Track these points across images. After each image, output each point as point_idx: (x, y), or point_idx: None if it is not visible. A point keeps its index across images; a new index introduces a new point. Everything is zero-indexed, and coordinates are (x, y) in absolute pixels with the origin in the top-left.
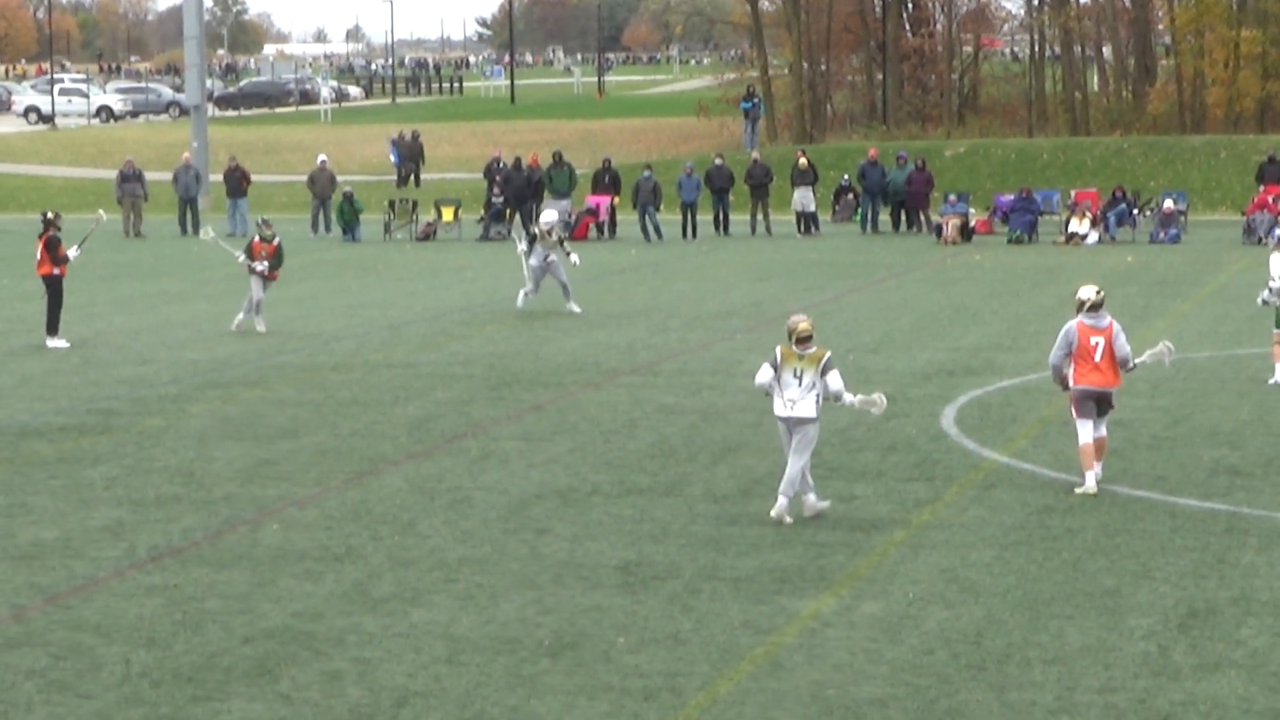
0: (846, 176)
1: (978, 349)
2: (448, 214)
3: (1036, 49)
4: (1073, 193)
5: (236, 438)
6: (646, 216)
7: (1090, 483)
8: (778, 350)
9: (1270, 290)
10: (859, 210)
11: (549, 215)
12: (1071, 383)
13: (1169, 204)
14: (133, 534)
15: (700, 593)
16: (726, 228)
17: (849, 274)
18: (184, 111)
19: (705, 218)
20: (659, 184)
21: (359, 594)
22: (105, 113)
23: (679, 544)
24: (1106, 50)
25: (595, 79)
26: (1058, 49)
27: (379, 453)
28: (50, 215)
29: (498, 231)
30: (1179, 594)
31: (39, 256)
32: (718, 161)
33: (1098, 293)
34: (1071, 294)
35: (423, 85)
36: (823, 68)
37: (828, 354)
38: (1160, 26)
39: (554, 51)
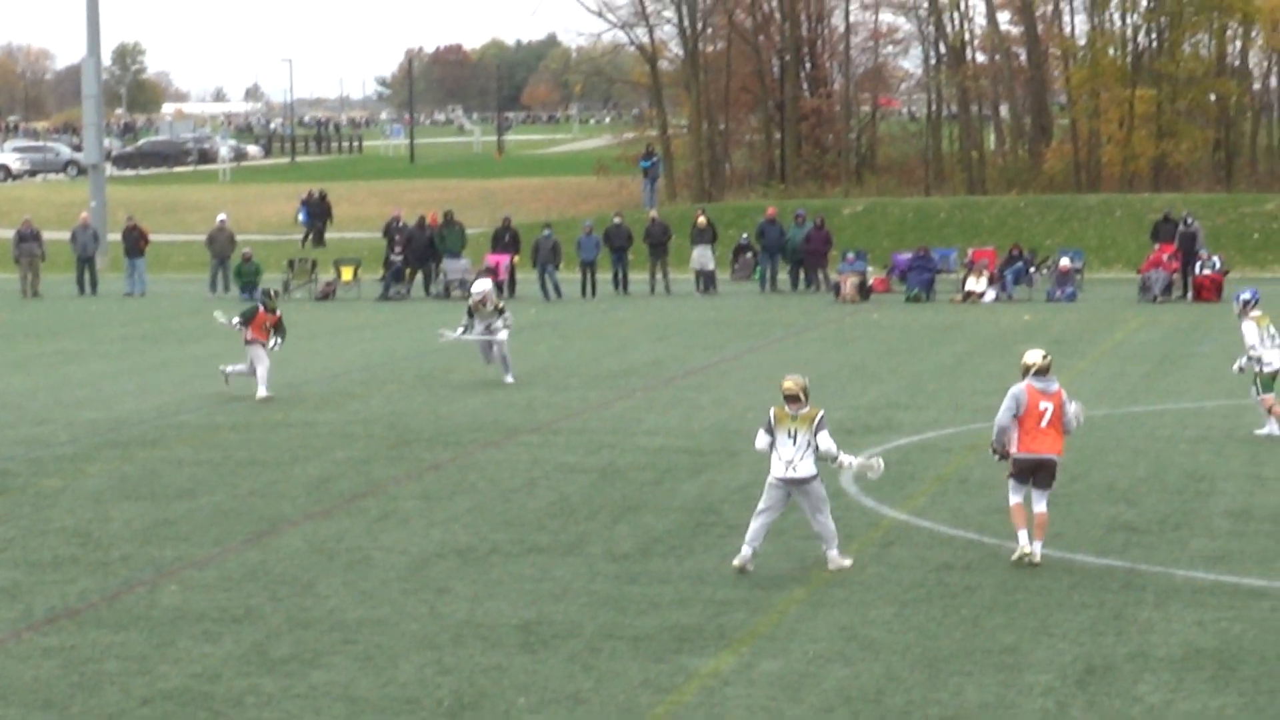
0: (745, 235)
1: (876, 407)
2: (347, 273)
3: (933, 108)
4: (970, 251)
5: (134, 498)
6: (546, 275)
7: (1024, 541)
8: (771, 412)
9: (1248, 358)
10: (757, 269)
11: (482, 285)
12: (1014, 448)
13: (1065, 262)
14: (29, 595)
15: (600, 652)
16: (626, 286)
17: (748, 332)
18: (82, 170)
19: (605, 276)
20: (559, 243)
21: (258, 655)
22: (2, 171)
23: (579, 603)
24: (1003, 109)
25: (495, 138)
26: (955, 108)
27: (278, 513)
28: None
29: (397, 291)
30: (1077, 650)
31: None
32: (617, 220)
33: (1044, 357)
34: (1017, 358)
35: (322, 144)
36: (721, 127)
37: (820, 413)
38: (1056, 86)
39: (453, 110)
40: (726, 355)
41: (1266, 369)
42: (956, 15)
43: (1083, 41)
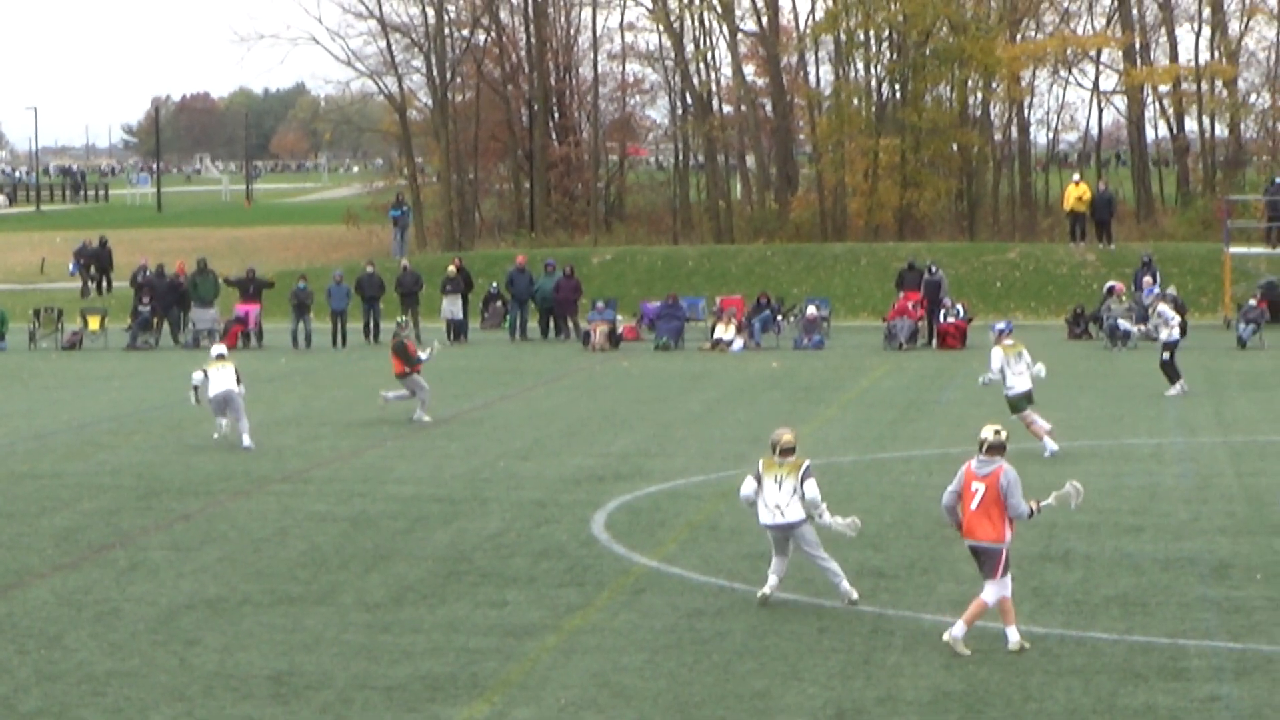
0: (495, 284)
1: (626, 454)
2: (94, 323)
3: (681, 158)
4: (718, 299)
5: None
6: (300, 323)
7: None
8: (759, 462)
9: (989, 379)
10: (507, 317)
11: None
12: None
13: (812, 310)
14: None
15: (353, 702)
16: (377, 336)
17: (499, 381)
18: None
19: (355, 325)
20: (311, 291)
21: (4, 710)
22: None
23: (331, 653)
24: (749, 159)
25: (244, 186)
26: (702, 158)
27: (24, 565)
28: None
29: (145, 340)
30: (827, 694)
31: None
32: (369, 269)
33: (996, 433)
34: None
35: (68, 193)
36: (471, 176)
37: (807, 462)
38: (802, 136)
39: (201, 159)
40: (477, 403)
41: (1009, 393)
42: (703, 66)
43: (828, 92)
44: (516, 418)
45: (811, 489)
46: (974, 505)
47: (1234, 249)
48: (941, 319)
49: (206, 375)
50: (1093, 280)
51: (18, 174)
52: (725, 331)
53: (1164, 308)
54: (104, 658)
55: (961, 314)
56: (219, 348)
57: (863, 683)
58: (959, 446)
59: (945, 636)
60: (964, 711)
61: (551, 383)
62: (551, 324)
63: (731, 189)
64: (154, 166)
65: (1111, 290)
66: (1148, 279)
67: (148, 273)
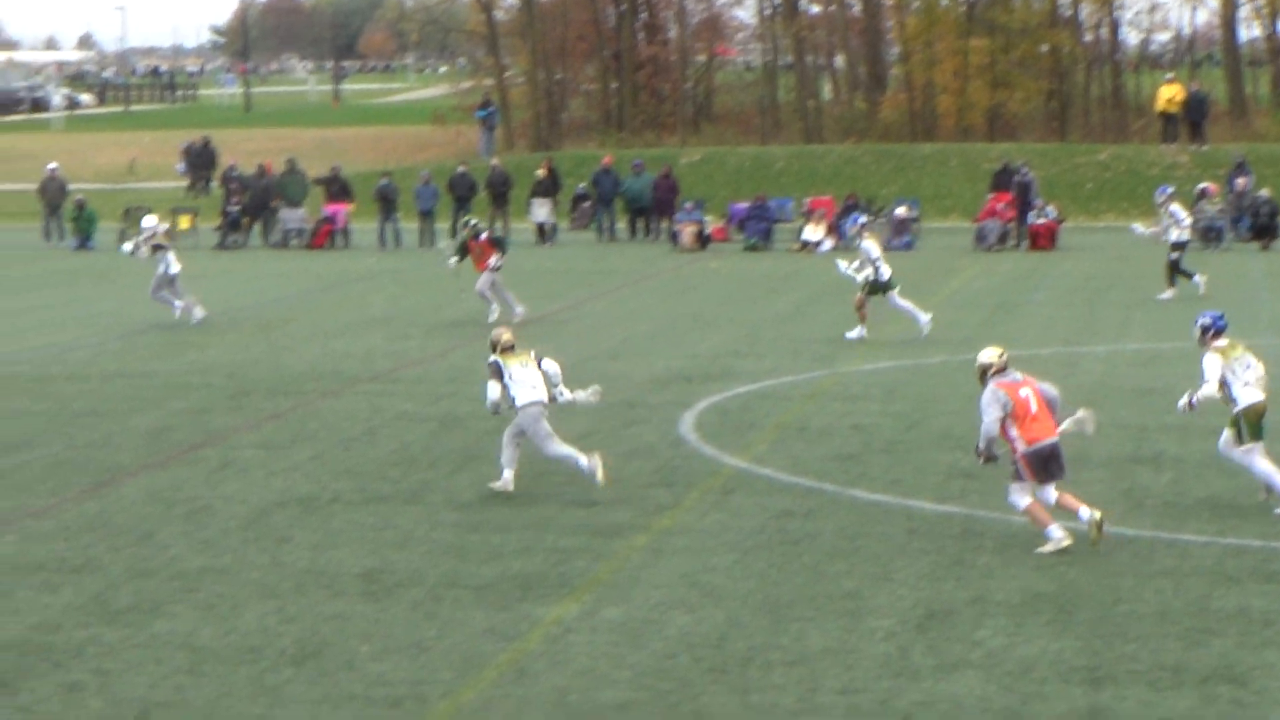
0: (583, 185)
1: (715, 355)
2: (184, 222)
3: (769, 58)
4: (807, 200)
5: None
6: (388, 224)
7: (1060, 534)
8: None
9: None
10: (595, 218)
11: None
12: (1020, 445)
13: (901, 211)
14: None
15: (443, 599)
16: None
17: (587, 282)
18: None
19: (444, 225)
20: (396, 188)
21: (98, 605)
22: None
23: (421, 551)
24: (839, 59)
25: (331, 87)
26: (790, 58)
27: (116, 463)
28: None
29: (234, 240)
30: (917, 596)
31: None
32: (461, 169)
33: (1000, 355)
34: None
35: (157, 93)
36: (558, 76)
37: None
38: (891, 36)
39: (288, 59)
40: (565, 304)
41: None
42: None
43: None
44: (604, 318)
45: (551, 365)
46: (1034, 407)
47: None
48: (1032, 220)
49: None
50: (1185, 182)
51: (106, 75)
52: (814, 232)
53: (1175, 207)
54: (195, 555)
55: (1052, 215)
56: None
57: (953, 584)
58: (1048, 347)
59: (1094, 523)
60: (1055, 613)
61: (639, 283)
62: (641, 225)
63: (820, 89)
64: (241, 67)
65: (1204, 192)
66: (1241, 180)
67: (236, 173)
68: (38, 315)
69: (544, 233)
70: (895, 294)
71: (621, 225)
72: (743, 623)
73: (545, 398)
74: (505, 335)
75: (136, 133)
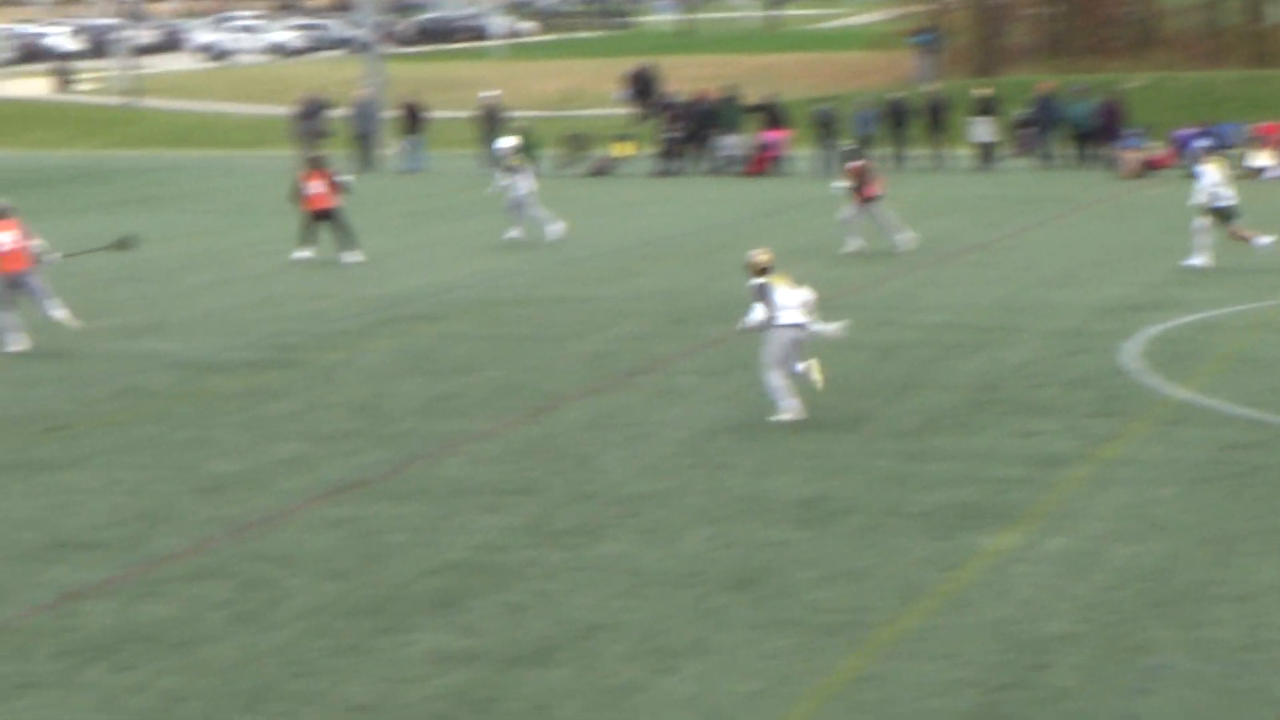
0: (1024, 110)
1: (1159, 284)
2: (623, 149)
3: None
4: (1254, 127)
5: (415, 372)
6: (826, 150)
7: None
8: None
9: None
10: (1036, 143)
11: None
12: None
13: None
14: (316, 467)
15: (883, 528)
16: (903, 161)
17: (1030, 209)
18: (358, 48)
19: (883, 151)
20: (834, 114)
21: (540, 527)
22: (279, 49)
23: (860, 479)
24: None
25: (770, 13)
26: None
27: (557, 388)
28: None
29: (672, 166)
30: None
31: (316, 191)
32: (899, 95)
33: None
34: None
35: (596, 20)
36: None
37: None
38: None
39: None
40: (1007, 231)
41: None
42: None
43: None
44: (1047, 245)
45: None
46: None
47: None
48: None
49: None
50: None
51: (548, 1)
52: (1260, 159)
53: None
54: (635, 479)
55: None
56: None
57: None
58: None
59: None
60: None
61: (1081, 210)
62: (1083, 150)
63: (1269, 12)
64: None
65: None
66: None
67: (675, 99)
68: (479, 241)
69: (986, 153)
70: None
71: (1063, 151)
72: (1187, 556)
73: (804, 321)
74: (764, 256)
75: (576, 60)
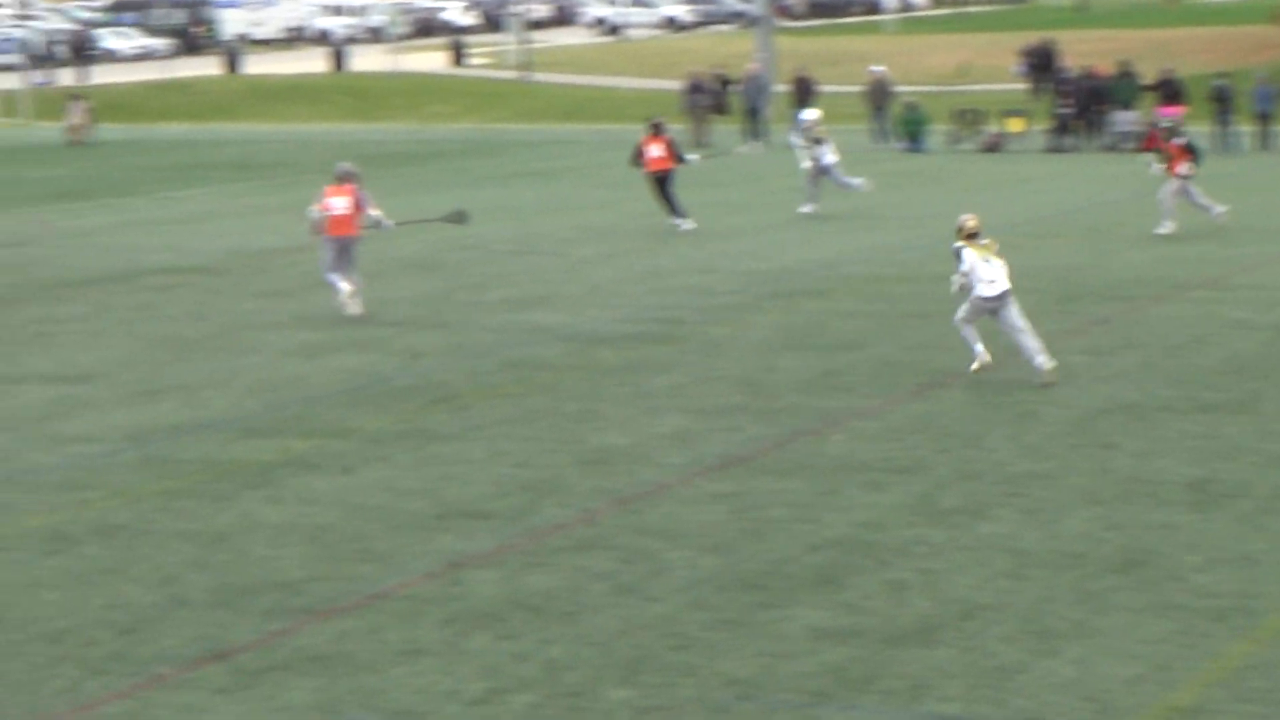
0: None
1: None
2: (1015, 125)
3: None
4: None
5: (800, 348)
6: (1223, 126)
7: None
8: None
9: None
10: None
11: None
12: None
13: None
14: (698, 442)
15: (1274, 513)
16: None
17: None
18: (750, 22)
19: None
20: (1231, 88)
21: (923, 505)
22: (671, 23)
23: (1251, 462)
24: None
25: None
26: None
27: (943, 365)
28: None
29: (1065, 142)
30: None
31: (655, 155)
32: None
33: None
34: None
35: None
36: None
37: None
38: None
39: None
40: None
41: None
42: None
43: None
44: None
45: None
46: None
47: None
48: None
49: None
50: None
51: None
52: None
53: None
54: (1020, 458)
55: None
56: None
57: None
58: None
59: None
60: None
61: None
62: None
63: None
64: None
65: None
66: None
67: (1070, 74)
68: (868, 217)
69: None
70: None
71: None
72: None
73: (1001, 292)
74: (972, 222)
75: (968, 35)
